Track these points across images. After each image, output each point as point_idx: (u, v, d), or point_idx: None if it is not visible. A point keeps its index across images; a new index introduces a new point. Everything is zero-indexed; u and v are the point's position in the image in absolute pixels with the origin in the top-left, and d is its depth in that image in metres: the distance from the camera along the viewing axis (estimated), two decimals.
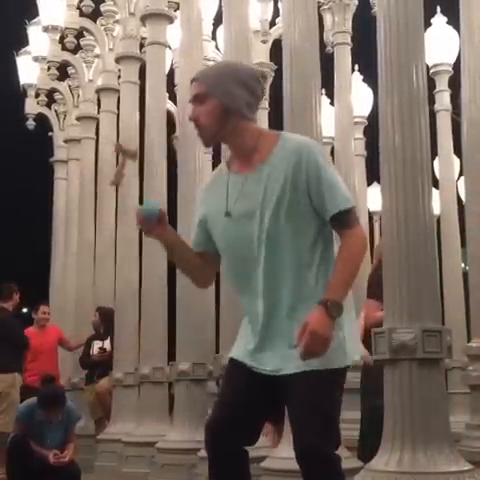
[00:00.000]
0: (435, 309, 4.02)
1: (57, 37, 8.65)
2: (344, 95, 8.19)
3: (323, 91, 8.06)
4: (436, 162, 9.33)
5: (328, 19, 8.43)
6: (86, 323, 8.92)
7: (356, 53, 8.47)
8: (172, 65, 8.83)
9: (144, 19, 7.56)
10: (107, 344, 8.42)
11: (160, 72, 7.53)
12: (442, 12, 9.37)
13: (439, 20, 9.36)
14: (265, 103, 9.42)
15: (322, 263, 2.67)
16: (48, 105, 11.06)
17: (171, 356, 6.82)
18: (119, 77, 8.63)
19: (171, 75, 8.60)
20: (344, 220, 2.63)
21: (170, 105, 9.18)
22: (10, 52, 10.66)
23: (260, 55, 9.15)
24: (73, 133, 10.62)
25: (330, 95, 8.98)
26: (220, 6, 6.83)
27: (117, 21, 8.65)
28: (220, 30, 7.98)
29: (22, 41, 10.25)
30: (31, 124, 10.50)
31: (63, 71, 10.13)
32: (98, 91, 9.36)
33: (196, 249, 2.86)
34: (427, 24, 8.43)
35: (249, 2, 6.35)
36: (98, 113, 9.63)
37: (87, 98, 9.95)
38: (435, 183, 7.52)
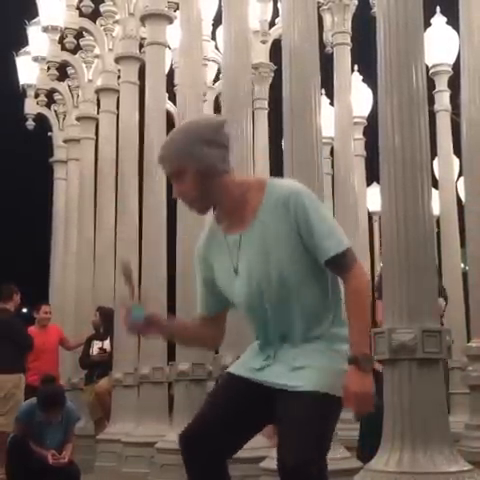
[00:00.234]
0: (435, 309, 4.03)
1: (57, 37, 8.65)
2: (344, 95, 8.18)
3: (323, 91, 8.06)
4: (436, 162, 9.34)
5: (328, 19, 8.43)
6: (86, 323, 8.92)
7: (356, 53, 8.47)
8: (172, 65, 8.83)
9: (144, 19, 7.56)
10: (107, 344, 8.42)
11: (160, 72, 7.53)
12: (442, 12, 9.37)
13: (439, 20, 9.36)
14: (264, 103, 9.45)
15: (330, 297, 2.69)
16: (48, 105, 11.06)
17: (171, 356, 6.82)
18: (119, 77, 8.63)
19: (171, 75, 8.60)
20: (340, 263, 2.60)
21: (170, 105, 9.18)
22: (10, 52, 10.66)
23: (260, 55, 9.16)
24: (73, 133, 10.63)
25: (330, 95, 8.98)
26: (220, 6, 6.83)
27: (117, 21, 8.65)
28: (220, 30, 7.98)
29: (22, 41, 10.25)
30: (31, 124, 10.50)
31: (63, 71, 10.13)
32: (98, 91, 9.35)
33: (207, 313, 2.84)
34: (427, 24, 8.43)
35: (249, 2, 6.35)
36: (98, 113, 9.63)
37: (87, 98, 9.95)
38: (435, 183, 7.53)
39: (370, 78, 9.64)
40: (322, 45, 7.43)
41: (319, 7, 7.64)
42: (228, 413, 2.69)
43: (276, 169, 7.68)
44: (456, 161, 9.79)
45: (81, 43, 9.69)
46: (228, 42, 5.99)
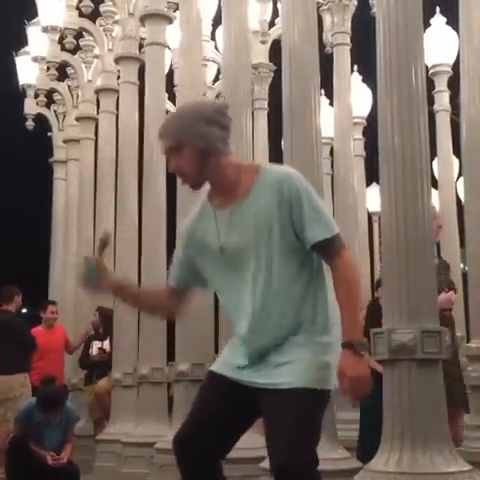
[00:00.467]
0: (434, 310, 4.02)
1: (56, 37, 8.64)
2: (343, 95, 8.18)
3: (322, 91, 8.05)
4: (435, 162, 9.34)
5: (327, 19, 8.44)
6: (85, 323, 8.92)
7: (355, 54, 8.47)
8: (171, 65, 8.83)
9: (143, 19, 7.56)
10: (107, 345, 8.41)
11: (159, 72, 7.53)
12: (441, 12, 9.37)
13: (438, 20, 9.36)
14: (264, 104, 9.45)
15: (312, 284, 2.69)
16: (47, 105, 11.06)
17: (170, 356, 6.82)
18: (118, 77, 8.63)
19: (170, 75, 8.60)
20: (328, 248, 2.63)
21: (169, 105, 9.18)
22: (9, 52, 10.66)
23: (259, 56, 9.16)
24: (72, 133, 10.63)
25: (329, 95, 8.98)
26: (219, 6, 6.83)
27: (116, 21, 8.65)
28: (219, 30, 7.98)
29: (21, 41, 10.25)
30: (30, 124, 10.51)
31: (62, 71, 10.13)
32: (97, 91, 9.35)
33: (175, 283, 2.90)
34: (426, 24, 8.44)
35: (248, 2, 6.35)
36: (97, 113, 9.63)
37: (86, 98, 9.95)
38: (434, 183, 7.54)
39: (370, 78, 9.63)
40: (322, 45, 7.43)
41: (319, 7, 7.64)
42: (216, 413, 2.70)
43: None
44: (456, 161, 9.79)
45: (81, 43, 9.70)
46: (228, 42, 5.99)
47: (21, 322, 8.24)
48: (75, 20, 8.91)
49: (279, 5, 7.53)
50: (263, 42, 8.86)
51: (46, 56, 8.91)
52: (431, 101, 8.91)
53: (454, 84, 7.96)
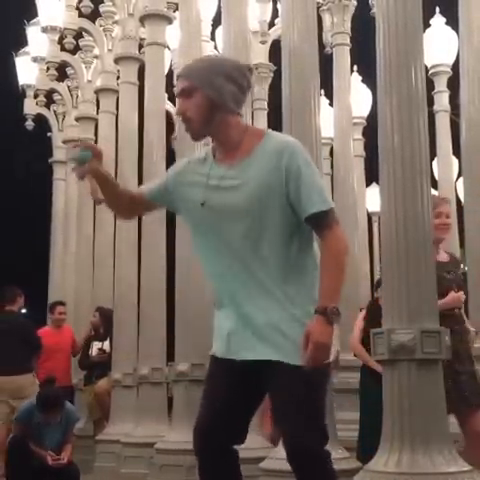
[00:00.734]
0: (434, 310, 4.02)
1: (56, 38, 8.64)
2: (343, 96, 8.18)
3: (322, 92, 8.05)
4: (435, 163, 9.34)
5: (327, 20, 8.44)
6: (85, 323, 8.92)
7: (355, 54, 8.47)
8: (171, 66, 8.84)
9: (143, 20, 7.56)
10: (107, 345, 8.41)
11: (159, 73, 7.53)
12: (441, 13, 9.37)
13: (438, 21, 9.36)
14: (264, 104, 9.45)
15: (301, 255, 2.68)
16: (47, 106, 11.06)
17: (170, 357, 6.82)
18: (118, 78, 8.63)
19: (170, 76, 8.59)
20: (321, 222, 2.63)
21: (169, 106, 9.18)
22: (9, 52, 10.66)
23: (259, 56, 9.16)
24: (72, 134, 10.61)
25: (329, 96, 8.98)
26: (219, 7, 6.82)
27: (116, 22, 8.65)
28: (219, 31, 7.98)
29: (21, 41, 10.25)
30: (30, 125, 10.51)
31: (62, 72, 10.13)
32: (97, 92, 9.35)
33: (147, 194, 2.92)
34: (426, 25, 8.43)
35: (248, 3, 6.35)
36: (97, 114, 9.63)
37: (86, 99, 9.95)
38: (434, 184, 7.53)
39: (369, 78, 9.63)
40: (321, 46, 7.42)
41: (318, 8, 7.64)
42: (229, 398, 2.71)
43: None
44: (455, 161, 9.80)
45: (80, 43, 9.70)
46: (227, 42, 5.99)
47: (28, 322, 8.27)
48: (75, 20, 8.91)
49: (279, 5, 7.53)
50: (263, 42, 8.87)
51: (46, 56, 8.92)
52: (431, 101, 8.91)
53: (454, 84, 7.96)
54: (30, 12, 9.43)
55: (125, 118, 8.12)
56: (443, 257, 4.53)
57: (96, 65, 9.68)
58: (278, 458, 4.39)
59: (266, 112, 9.45)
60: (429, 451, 3.80)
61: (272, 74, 9.31)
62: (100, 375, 8.31)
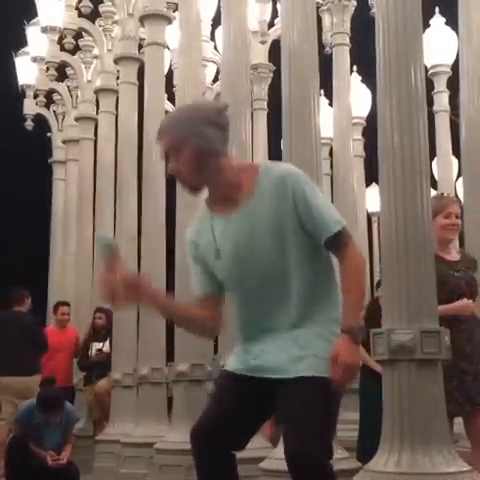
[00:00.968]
0: (434, 310, 4.02)
1: (56, 38, 8.64)
2: (343, 96, 8.18)
3: (322, 92, 8.05)
4: (435, 163, 9.35)
5: (327, 20, 8.44)
6: (85, 323, 8.92)
7: (355, 54, 8.47)
8: (171, 66, 8.83)
9: (143, 20, 7.56)
10: (106, 346, 8.40)
11: (159, 73, 7.53)
12: (441, 13, 9.38)
13: (438, 21, 9.37)
14: (263, 104, 9.45)
15: (320, 275, 2.70)
16: (47, 106, 11.07)
17: (169, 357, 6.82)
18: (118, 78, 8.64)
19: (170, 76, 8.60)
20: (337, 242, 2.64)
21: (169, 106, 9.18)
22: (9, 53, 10.67)
23: (259, 56, 9.17)
24: (72, 134, 10.63)
25: (329, 96, 8.98)
26: (219, 7, 6.83)
27: (116, 22, 8.65)
28: (219, 31, 7.98)
29: (21, 42, 10.25)
30: (30, 125, 10.52)
31: (62, 72, 10.13)
32: (97, 92, 9.36)
33: (203, 293, 2.79)
34: (426, 25, 8.44)
35: (248, 3, 6.35)
36: (97, 114, 9.64)
37: (86, 99, 9.95)
38: (434, 184, 7.54)
39: (369, 79, 9.64)
40: (321, 46, 7.42)
41: (318, 8, 7.64)
42: (234, 408, 2.71)
43: None
44: (455, 162, 9.80)
45: (80, 44, 9.71)
46: (227, 42, 5.99)
47: (37, 323, 8.29)
48: (74, 20, 8.92)
49: (278, 5, 7.54)
50: (262, 42, 8.87)
51: (45, 56, 8.92)
52: (430, 101, 8.92)
53: (453, 84, 7.96)
54: (30, 12, 9.43)
55: (125, 118, 8.12)
56: (453, 256, 4.49)
57: (96, 65, 9.69)
58: (278, 458, 4.39)
59: (266, 112, 9.45)
60: (429, 451, 3.80)
61: (272, 74, 9.31)
62: (100, 375, 8.31)
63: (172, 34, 7.68)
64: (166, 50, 8.02)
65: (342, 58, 8.20)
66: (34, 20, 9.53)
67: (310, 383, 2.56)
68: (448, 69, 9.20)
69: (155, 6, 7.43)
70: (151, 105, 7.37)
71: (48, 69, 9.25)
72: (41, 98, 10.67)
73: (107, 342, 8.38)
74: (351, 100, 8.38)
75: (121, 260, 2.61)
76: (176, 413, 6.28)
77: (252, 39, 8.00)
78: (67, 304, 9.20)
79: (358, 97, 10.07)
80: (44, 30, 8.48)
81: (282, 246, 2.64)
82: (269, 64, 9.33)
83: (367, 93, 10.52)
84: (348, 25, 8.32)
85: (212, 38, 8.94)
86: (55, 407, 6.18)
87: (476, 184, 5.80)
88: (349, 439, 5.48)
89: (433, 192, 5.10)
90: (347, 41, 8.29)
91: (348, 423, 5.95)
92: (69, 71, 10.36)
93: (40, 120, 11.07)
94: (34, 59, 9.37)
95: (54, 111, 11.29)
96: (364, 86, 10.70)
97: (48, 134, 11.50)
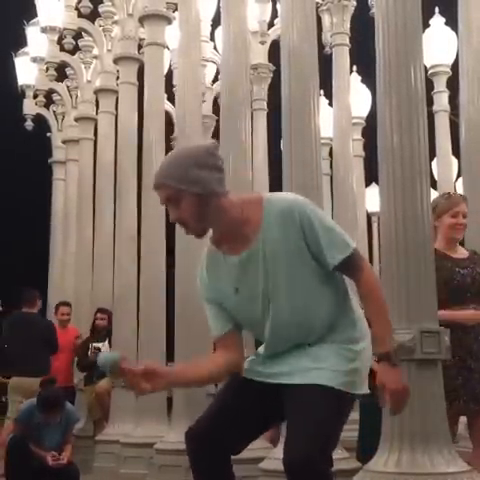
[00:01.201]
0: (433, 310, 4.02)
1: (55, 38, 8.65)
2: (342, 96, 8.18)
3: (321, 92, 8.06)
4: (434, 163, 9.35)
5: (326, 20, 8.44)
6: (85, 323, 8.92)
7: (354, 54, 8.47)
8: (170, 66, 8.85)
9: (142, 20, 7.56)
10: (106, 346, 8.40)
11: (158, 73, 7.53)
12: (440, 13, 9.38)
13: (437, 21, 9.37)
14: (263, 104, 9.45)
15: (336, 298, 2.72)
16: (46, 106, 11.07)
17: (170, 357, 6.82)
18: (117, 78, 8.63)
19: (169, 76, 8.61)
20: (349, 265, 2.65)
21: (168, 106, 9.18)
22: (8, 53, 10.67)
23: (258, 56, 9.16)
24: (71, 134, 10.63)
25: (328, 96, 8.99)
26: (218, 7, 6.83)
27: (115, 22, 8.65)
28: (218, 31, 7.98)
29: (20, 42, 10.26)
30: (29, 125, 10.53)
31: (61, 72, 10.14)
32: (96, 92, 9.35)
33: (222, 332, 2.78)
34: (425, 25, 8.44)
35: (247, 3, 6.35)
36: (96, 114, 9.64)
37: (85, 99, 9.95)
38: (433, 184, 7.54)
39: (369, 79, 9.64)
40: (321, 46, 7.42)
41: (318, 8, 7.65)
42: (236, 411, 2.71)
43: (275, 170, 7.68)
44: (455, 162, 9.81)
45: (80, 44, 9.71)
46: (227, 43, 5.99)
47: (50, 324, 8.31)
48: (74, 20, 8.92)
49: (278, 5, 7.54)
50: (262, 42, 8.87)
51: (45, 56, 8.93)
52: (430, 101, 8.92)
53: (453, 84, 7.96)
54: (29, 12, 9.44)
55: (124, 118, 8.11)
56: (461, 254, 4.47)
57: (95, 65, 9.68)
58: (278, 458, 4.39)
59: (265, 112, 9.45)
60: (428, 451, 3.81)
61: (271, 74, 9.31)
62: (101, 375, 8.31)
63: (172, 34, 7.68)
64: (166, 50, 8.02)
65: (342, 58, 8.20)
66: (34, 20, 9.54)
67: (320, 392, 2.57)
68: (448, 69, 9.21)
69: (155, 6, 7.43)
70: (151, 105, 7.37)
71: (48, 69, 9.27)
72: (41, 98, 10.67)
73: (106, 342, 8.38)
74: (351, 100, 8.38)
75: (129, 365, 2.55)
76: (176, 413, 6.28)
77: (252, 39, 8.01)
78: (67, 304, 9.19)
79: (358, 97, 10.07)
80: (44, 30, 8.49)
81: (296, 274, 2.64)
82: (269, 64, 9.33)
83: (367, 93, 10.52)
84: (348, 25, 8.32)
85: (212, 38, 8.95)
86: (55, 407, 6.18)
87: (476, 184, 5.80)
88: (349, 439, 5.47)
89: (433, 192, 5.10)
90: (347, 41, 8.29)
91: (348, 423, 5.94)
92: (69, 71, 10.36)
93: (40, 120, 11.07)
94: (34, 59, 9.38)
95: (54, 111, 11.29)
96: (364, 86, 10.70)
97: (48, 134, 11.50)
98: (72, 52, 9.61)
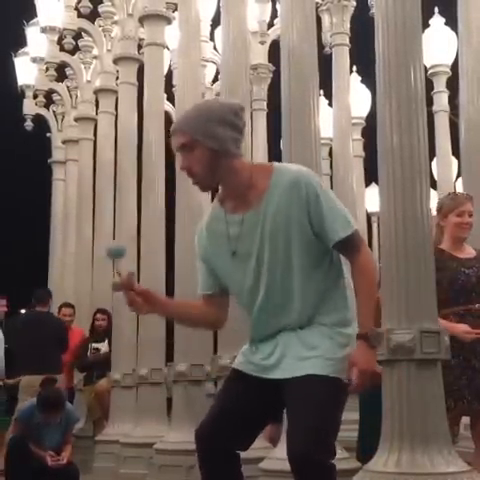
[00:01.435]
0: (433, 310, 4.02)
1: (55, 38, 8.64)
2: (342, 96, 8.18)
3: (321, 92, 8.05)
4: (434, 163, 9.35)
5: (326, 20, 8.43)
6: (84, 323, 8.91)
7: (354, 54, 8.47)
8: (170, 66, 8.85)
9: (142, 20, 7.56)
10: (105, 346, 8.40)
11: (158, 73, 7.53)
12: (440, 13, 9.38)
13: (437, 21, 9.37)
14: (263, 104, 9.45)
15: (331, 279, 2.72)
16: (46, 106, 11.06)
17: (169, 357, 6.82)
18: (117, 78, 8.64)
19: (169, 76, 8.61)
20: (348, 246, 2.66)
21: (168, 106, 9.18)
22: (8, 53, 10.67)
23: (258, 56, 9.16)
24: (71, 134, 10.63)
25: (328, 96, 8.98)
26: (218, 7, 6.83)
27: (115, 22, 8.65)
28: (218, 31, 7.98)
29: (20, 42, 10.27)
30: (29, 125, 10.52)
31: (61, 72, 10.14)
32: (96, 92, 9.36)
33: (207, 291, 2.84)
34: (425, 25, 8.44)
35: (247, 3, 6.35)
36: (96, 114, 9.64)
37: (85, 99, 9.95)
38: (433, 184, 7.54)
39: (369, 79, 9.64)
40: (321, 46, 7.42)
41: (317, 8, 7.65)
42: (238, 407, 2.72)
43: None
44: (454, 162, 9.80)
45: (80, 44, 9.71)
46: (227, 43, 5.99)
47: (62, 323, 8.32)
48: (74, 21, 8.92)
49: (278, 5, 7.54)
50: (262, 42, 8.87)
51: (45, 57, 8.93)
52: (430, 102, 8.92)
53: (453, 84, 7.97)
54: (29, 12, 9.44)
55: (124, 118, 8.12)
56: (468, 253, 4.46)
57: (95, 65, 9.69)
58: (278, 458, 4.39)
59: (265, 112, 9.45)
60: (428, 451, 3.80)
61: (271, 74, 9.30)
62: (100, 375, 8.32)
63: (171, 34, 7.68)
64: (165, 50, 8.02)
65: (342, 58, 8.20)
66: (34, 20, 9.54)
67: (316, 382, 2.58)
68: (447, 69, 9.21)
69: (154, 6, 7.43)
70: (150, 105, 7.37)
71: (47, 69, 9.26)
72: (41, 98, 10.66)
73: (106, 342, 8.38)
74: (351, 100, 8.37)
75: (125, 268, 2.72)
76: (176, 413, 6.28)
77: (252, 39, 8.01)
78: (70, 306, 9.17)
79: (358, 97, 10.07)
80: (44, 30, 8.49)
81: (293, 243, 2.65)
82: (269, 64, 9.32)
83: (367, 93, 10.52)
84: (348, 25, 8.31)
85: (212, 38, 8.95)
86: (56, 407, 6.18)
87: (476, 184, 5.79)
88: (349, 439, 5.47)
89: (433, 192, 5.10)
90: (347, 41, 8.28)
91: (348, 423, 5.93)
92: (69, 71, 10.36)
93: (40, 120, 11.07)
94: (34, 59, 9.38)
95: (54, 111, 11.29)
96: (364, 86, 10.70)
97: (48, 134, 11.50)
98: (72, 52, 9.61)
